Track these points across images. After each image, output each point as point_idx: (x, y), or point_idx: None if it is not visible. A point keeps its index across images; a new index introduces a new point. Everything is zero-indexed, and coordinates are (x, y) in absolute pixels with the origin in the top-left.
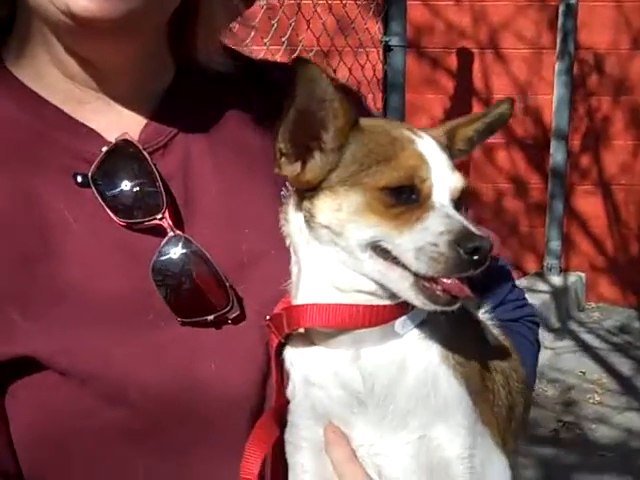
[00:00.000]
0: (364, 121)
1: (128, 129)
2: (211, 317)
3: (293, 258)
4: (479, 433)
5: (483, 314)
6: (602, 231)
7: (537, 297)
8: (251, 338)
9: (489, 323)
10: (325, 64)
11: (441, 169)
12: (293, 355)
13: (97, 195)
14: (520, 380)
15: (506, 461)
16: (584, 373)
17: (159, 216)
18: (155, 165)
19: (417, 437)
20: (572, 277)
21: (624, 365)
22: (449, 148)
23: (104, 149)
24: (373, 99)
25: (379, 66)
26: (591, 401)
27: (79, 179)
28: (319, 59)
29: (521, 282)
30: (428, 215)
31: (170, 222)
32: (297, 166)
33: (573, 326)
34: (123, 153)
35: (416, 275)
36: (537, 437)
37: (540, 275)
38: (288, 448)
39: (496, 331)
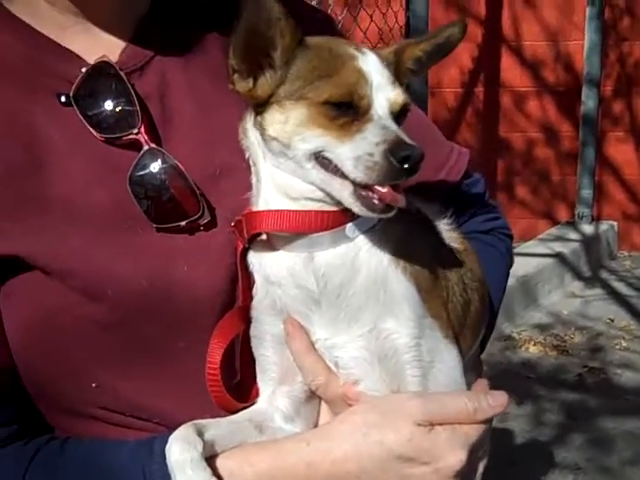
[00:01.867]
0: (311, 39)
1: (108, 52)
2: (183, 223)
3: (252, 169)
4: (427, 325)
5: (443, 220)
6: (634, 179)
7: (568, 246)
8: (220, 242)
9: (447, 228)
10: (346, 13)
11: (380, 84)
12: (255, 258)
13: (79, 113)
14: (475, 279)
15: (455, 351)
16: (612, 320)
17: (135, 131)
18: (133, 85)
19: (368, 330)
20: (604, 226)
21: None
22: (397, 67)
23: (84, 70)
24: None
25: (401, 14)
26: (617, 347)
27: (62, 99)
28: (339, 8)
29: (552, 231)
30: (367, 127)
31: (146, 137)
32: (249, 82)
33: (604, 275)
34: (103, 74)
35: (354, 183)
36: (562, 382)
37: (572, 224)
38: (253, 342)
39: (454, 234)
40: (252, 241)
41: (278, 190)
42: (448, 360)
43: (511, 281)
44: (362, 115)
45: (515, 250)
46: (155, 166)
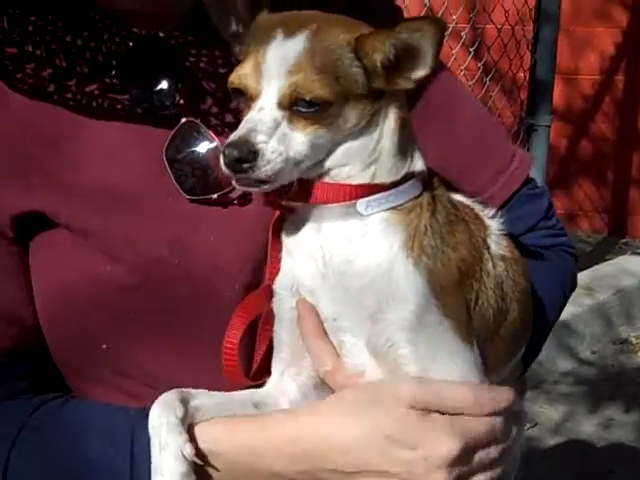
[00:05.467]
0: (268, 16)
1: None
2: (215, 196)
3: None
4: (433, 322)
5: (495, 225)
6: None
7: None
8: (252, 218)
9: (498, 233)
10: None
11: (275, 73)
12: (284, 228)
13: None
14: (519, 289)
15: (469, 353)
16: None
17: (172, 102)
18: (176, 60)
19: (369, 315)
20: None
21: None
22: (360, 58)
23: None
24: (522, 31)
25: None
26: None
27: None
28: None
29: None
30: (246, 116)
31: (185, 109)
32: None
33: None
34: (151, 47)
35: None
36: None
37: None
38: (275, 319)
39: (504, 241)
40: (288, 211)
41: None
42: (459, 361)
43: (632, 281)
44: (251, 104)
45: None
46: (195, 141)
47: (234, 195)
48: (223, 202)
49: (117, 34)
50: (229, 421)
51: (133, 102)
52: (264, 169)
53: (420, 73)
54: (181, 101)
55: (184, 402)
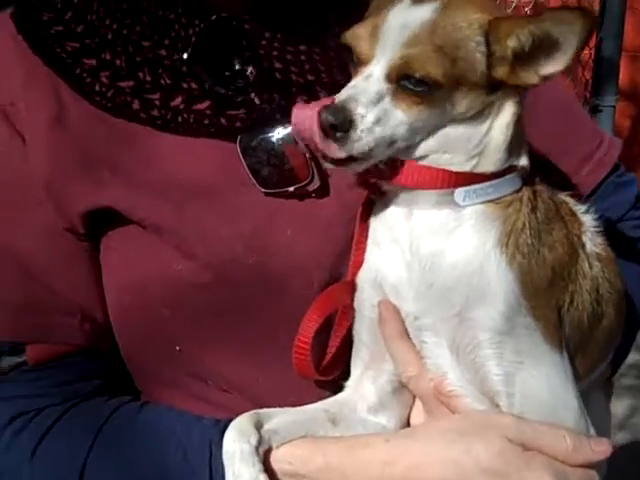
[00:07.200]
0: None
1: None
2: (291, 188)
3: None
4: (522, 324)
5: (591, 221)
6: None
7: None
8: (331, 213)
9: (594, 230)
10: None
11: (391, 43)
12: (373, 214)
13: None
14: (614, 291)
15: (558, 358)
16: None
17: (249, 94)
18: (251, 44)
19: (455, 313)
20: None
21: None
22: (489, 42)
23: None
24: (589, 4)
25: None
26: None
27: (184, 55)
28: None
29: None
30: (351, 82)
31: (260, 98)
32: None
33: None
34: (224, 29)
35: None
36: None
37: None
38: (355, 316)
39: (599, 239)
40: (379, 194)
41: None
42: (546, 367)
43: None
44: (359, 68)
45: None
46: (270, 128)
47: (312, 187)
48: (300, 195)
49: (189, 22)
50: (314, 442)
51: (208, 87)
52: (356, 144)
53: (552, 69)
54: (257, 93)
55: (258, 426)
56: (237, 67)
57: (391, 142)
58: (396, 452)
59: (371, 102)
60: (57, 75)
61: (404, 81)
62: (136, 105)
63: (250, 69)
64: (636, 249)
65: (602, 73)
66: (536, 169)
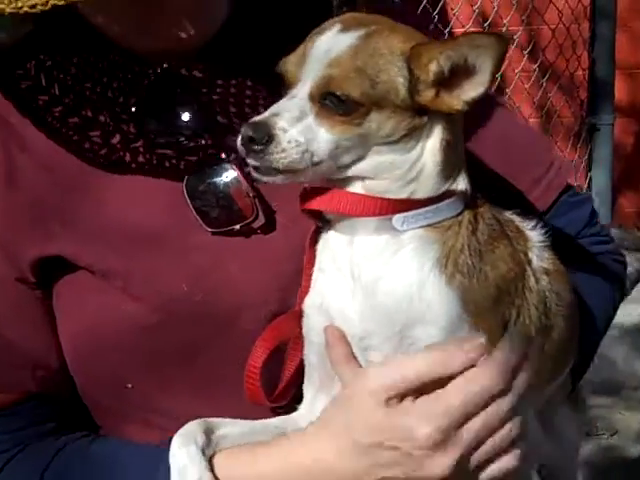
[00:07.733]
0: (348, 14)
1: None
2: (237, 227)
3: None
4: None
5: (536, 237)
6: None
7: None
8: (277, 248)
9: (540, 246)
10: None
11: (315, 65)
12: (319, 243)
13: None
14: (563, 303)
15: None
16: None
17: (203, 142)
18: (199, 92)
19: (398, 331)
20: None
21: None
22: (411, 68)
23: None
24: (578, 30)
25: None
26: None
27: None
28: None
29: None
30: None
31: (206, 142)
32: None
33: None
34: (171, 80)
35: None
36: None
37: None
38: (304, 341)
39: (547, 254)
40: (324, 223)
41: None
42: None
43: None
44: (288, 91)
45: None
46: (218, 171)
47: (257, 224)
48: (246, 232)
49: (139, 72)
50: (249, 448)
51: (153, 136)
52: (277, 156)
53: (473, 93)
54: (203, 139)
55: (208, 432)
56: (184, 115)
57: (315, 161)
58: (298, 452)
59: (294, 118)
60: (14, 107)
61: (326, 100)
62: (82, 141)
63: (190, 116)
64: (595, 264)
65: (597, 93)
66: (487, 191)
